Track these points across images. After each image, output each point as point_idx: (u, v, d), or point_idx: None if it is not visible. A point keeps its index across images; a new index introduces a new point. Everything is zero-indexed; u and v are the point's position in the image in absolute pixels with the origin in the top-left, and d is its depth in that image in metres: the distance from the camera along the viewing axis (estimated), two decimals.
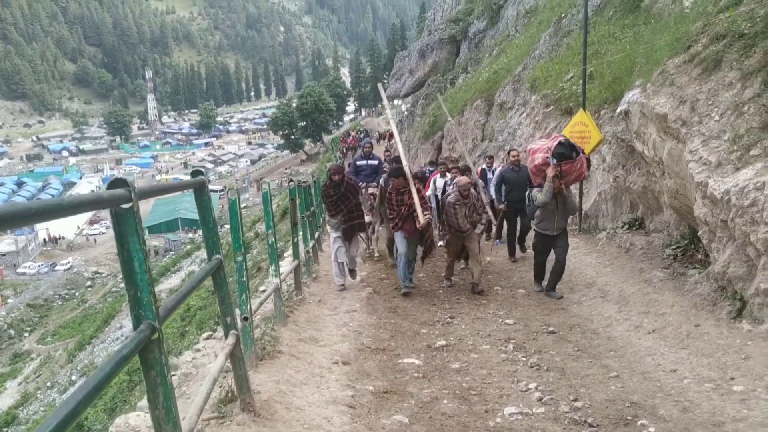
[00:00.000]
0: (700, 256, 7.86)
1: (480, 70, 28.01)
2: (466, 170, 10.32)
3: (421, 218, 8.22)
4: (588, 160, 8.68)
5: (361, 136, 38.65)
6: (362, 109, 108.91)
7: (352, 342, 6.31)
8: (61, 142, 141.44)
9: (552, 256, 8.66)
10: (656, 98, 7.55)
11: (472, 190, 8.89)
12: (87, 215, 69.60)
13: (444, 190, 12.19)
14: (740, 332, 5.70)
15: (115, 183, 2.13)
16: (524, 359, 6.02)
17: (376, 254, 11.60)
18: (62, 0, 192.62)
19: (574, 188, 10.46)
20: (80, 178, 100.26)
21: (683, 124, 6.94)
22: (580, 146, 9.77)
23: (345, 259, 8.78)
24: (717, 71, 6.71)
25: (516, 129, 16.28)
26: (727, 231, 6.15)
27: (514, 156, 10.88)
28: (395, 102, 50.74)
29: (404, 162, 9.12)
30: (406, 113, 44.16)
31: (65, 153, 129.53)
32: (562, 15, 18.49)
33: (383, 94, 12.40)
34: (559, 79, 14.24)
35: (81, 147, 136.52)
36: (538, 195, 8.16)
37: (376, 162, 12.29)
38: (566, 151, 8.03)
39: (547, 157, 8.11)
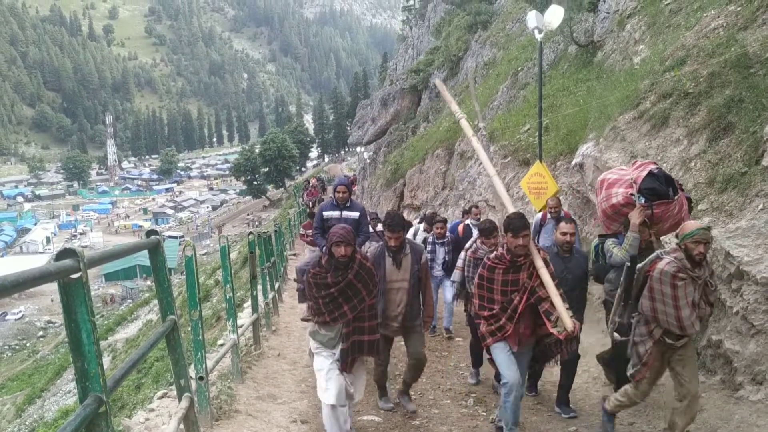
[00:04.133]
0: None
1: (440, 119, 28.54)
2: (492, 230, 6.66)
3: (567, 320, 4.57)
4: (689, 200, 5.65)
5: (323, 181, 32.93)
6: (325, 155, 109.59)
7: (312, 398, 6.21)
8: (16, 187, 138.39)
9: None
10: (609, 153, 7.80)
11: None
12: (44, 256, 67.93)
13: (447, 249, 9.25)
14: None
15: (63, 254, 2.10)
16: (485, 414, 6.00)
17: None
18: (22, 45, 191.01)
19: None
20: (35, 224, 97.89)
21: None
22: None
23: (346, 401, 5.01)
24: (665, 128, 7.00)
25: (476, 178, 16.56)
26: None
27: (564, 235, 5.87)
28: (358, 149, 51.28)
29: (510, 208, 5.36)
30: (368, 160, 44.58)
31: (20, 198, 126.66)
32: (519, 68, 19.07)
33: (443, 89, 7.79)
34: (516, 131, 14.60)
35: (37, 192, 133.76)
36: (615, 250, 5.53)
37: (356, 214, 7.67)
38: (660, 187, 5.38)
39: (631, 195, 5.43)
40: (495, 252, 5.02)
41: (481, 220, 8.17)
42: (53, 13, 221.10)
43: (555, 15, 10.44)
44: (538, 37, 10.52)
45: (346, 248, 4.83)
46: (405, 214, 14.51)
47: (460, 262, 7.34)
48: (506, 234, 4.84)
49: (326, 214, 7.69)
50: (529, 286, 4.79)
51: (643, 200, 5.39)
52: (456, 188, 18.54)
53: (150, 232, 3.50)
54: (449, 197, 18.73)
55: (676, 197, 5.40)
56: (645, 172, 5.45)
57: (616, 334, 5.13)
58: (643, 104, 7.56)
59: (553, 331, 4.66)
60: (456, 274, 7.53)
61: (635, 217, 5.31)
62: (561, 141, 11.91)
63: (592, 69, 13.87)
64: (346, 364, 4.87)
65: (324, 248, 6.48)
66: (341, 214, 7.63)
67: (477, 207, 10.66)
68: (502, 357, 4.92)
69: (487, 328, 4.97)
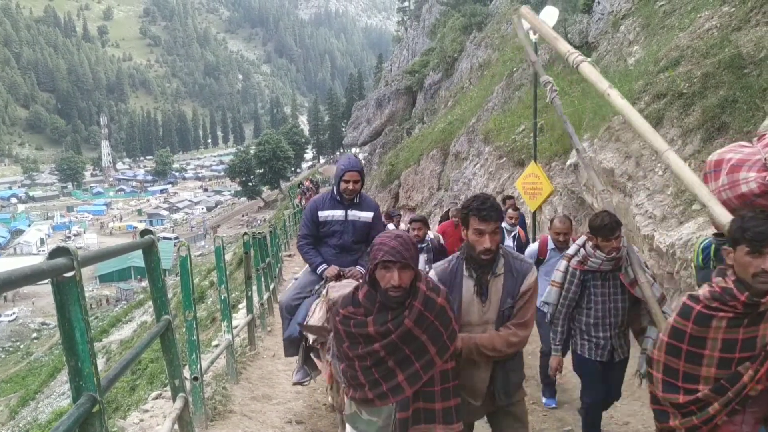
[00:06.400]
0: None
1: (435, 120, 28.58)
2: (615, 227, 4.14)
3: None
4: None
5: (316, 183, 30.33)
6: (320, 157, 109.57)
7: (306, 399, 6.20)
8: (9, 188, 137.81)
9: None
10: (603, 153, 7.82)
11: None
12: (38, 258, 67.48)
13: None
14: None
15: (57, 252, 2.09)
16: None
17: None
18: (15, 46, 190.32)
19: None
20: (29, 225, 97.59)
21: (629, 178, 7.19)
22: (533, 196, 9.86)
23: None
24: (659, 128, 7.01)
25: (471, 179, 16.57)
26: (673, 283, 6.32)
27: None
28: (353, 150, 51.28)
29: (710, 203, 3.25)
30: (363, 161, 44.65)
31: (14, 200, 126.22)
32: (514, 69, 19.11)
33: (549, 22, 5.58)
34: (511, 132, 14.63)
35: (31, 194, 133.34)
36: None
37: (369, 215, 4.80)
38: None
39: None
40: (710, 288, 2.64)
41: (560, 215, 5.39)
42: (47, 14, 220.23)
43: (549, 16, 10.47)
44: (533, 38, 10.54)
45: (401, 273, 2.66)
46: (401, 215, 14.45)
47: (558, 275, 4.54)
48: (733, 250, 2.58)
49: (323, 214, 4.75)
50: (761, 353, 2.55)
51: None
52: (451, 189, 18.56)
53: (144, 232, 3.49)
54: (444, 198, 18.74)
55: None
56: None
57: None
58: (638, 105, 7.58)
59: None
60: (551, 293, 4.59)
61: None
62: (556, 142, 11.94)
63: None
64: None
65: (316, 270, 4.64)
66: (346, 214, 4.74)
67: (514, 205, 8.33)
68: None
69: (682, 422, 2.72)
